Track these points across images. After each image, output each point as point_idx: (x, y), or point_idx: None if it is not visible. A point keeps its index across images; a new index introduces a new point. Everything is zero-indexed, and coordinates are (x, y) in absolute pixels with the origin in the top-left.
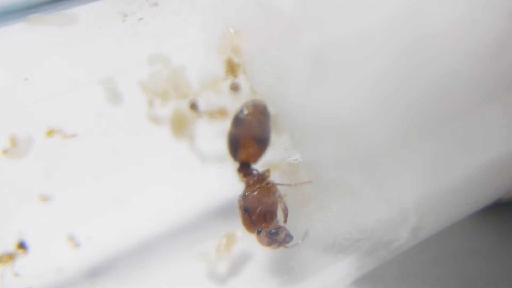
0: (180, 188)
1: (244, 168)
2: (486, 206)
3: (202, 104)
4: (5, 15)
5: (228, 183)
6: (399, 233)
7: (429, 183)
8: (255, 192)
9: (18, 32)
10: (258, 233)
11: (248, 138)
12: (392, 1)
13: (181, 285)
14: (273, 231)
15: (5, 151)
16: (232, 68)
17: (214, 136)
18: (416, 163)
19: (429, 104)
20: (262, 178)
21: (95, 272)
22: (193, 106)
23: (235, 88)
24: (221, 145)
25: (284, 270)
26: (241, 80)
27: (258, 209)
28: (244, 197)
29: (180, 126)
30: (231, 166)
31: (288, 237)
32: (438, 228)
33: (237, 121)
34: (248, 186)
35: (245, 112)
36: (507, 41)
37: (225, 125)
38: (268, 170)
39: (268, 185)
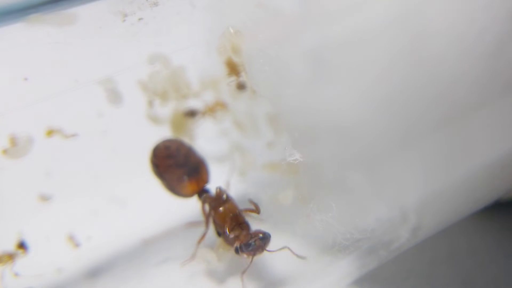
0: None
1: (200, 196)
2: (486, 206)
3: (199, 106)
4: (4, 15)
5: (228, 183)
6: (399, 233)
7: (429, 183)
8: (215, 217)
9: (18, 32)
10: (237, 252)
11: (175, 182)
12: (391, 2)
13: (180, 285)
14: (245, 244)
15: (5, 151)
16: (233, 68)
17: (214, 136)
18: (416, 163)
19: (429, 104)
20: (217, 198)
21: (95, 272)
22: (190, 113)
23: (241, 87)
24: (221, 145)
25: (285, 270)
26: (245, 79)
27: (226, 228)
28: (214, 223)
29: (180, 126)
30: (231, 166)
31: (265, 239)
32: (437, 228)
33: (155, 174)
34: (210, 210)
35: (155, 163)
36: (506, 41)
37: (226, 124)
38: (219, 187)
39: (223, 203)
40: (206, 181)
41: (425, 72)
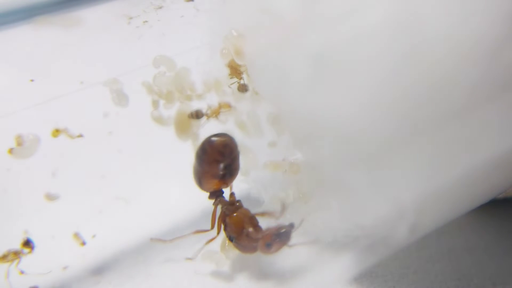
0: (184, 187)
1: (214, 195)
2: (482, 204)
3: (204, 107)
4: (12, 17)
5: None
6: (398, 230)
7: (427, 182)
8: (230, 223)
9: (25, 33)
10: (268, 247)
11: (209, 175)
12: (390, 5)
13: (185, 282)
14: (276, 235)
15: (12, 151)
16: (236, 70)
17: None
18: (415, 162)
19: (427, 105)
20: (231, 203)
21: (100, 270)
22: (195, 114)
23: (243, 89)
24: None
25: (286, 267)
26: (247, 80)
27: (241, 234)
28: (225, 229)
29: (184, 127)
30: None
31: (291, 227)
32: (435, 225)
33: (197, 157)
34: (223, 215)
35: (205, 150)
36: (503, 43)
37: (229, 125)
38: (232, 194)
39: (237, 208)
40: (228, 185)
41: (424, 74)
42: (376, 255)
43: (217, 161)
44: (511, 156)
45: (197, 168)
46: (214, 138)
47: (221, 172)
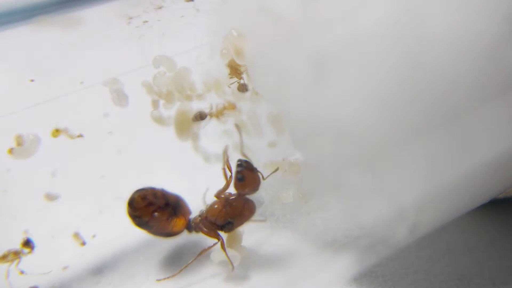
0: (184, 187)
1: (189, 226)
2: (482, 204)
3: (205, 107)
4: (12, 17)
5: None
6: (398, 230)
7: (427, 182)
8: (214, 218)
9: (25, 33)
10: (241, 180)
11: (165, 224)
12: (390, 5)
13: (185, 282)
14: (238, 178)
15: (12, 151)
16: (236, 70)
17: (218, 137)
18: (415, 162)
19: (427, 105)
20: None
21: (100, 270)
22: (198, 117)
23: (243, 89)
24: (224, 145)
25: (286, 267)
26: (247, 80)
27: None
28: (221, 228)
29: (184, 127)
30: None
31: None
32: (435, 225)
33: (141, 224)
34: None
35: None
36: (502, 44)
37: (229, 126)
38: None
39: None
40: (189, 212)
41: (423, 74)
42: (376, 255)
43: (154, 211)
44: (511, 156)
45: (151, 230)
46: (130, 203)
47: (171, 213)
